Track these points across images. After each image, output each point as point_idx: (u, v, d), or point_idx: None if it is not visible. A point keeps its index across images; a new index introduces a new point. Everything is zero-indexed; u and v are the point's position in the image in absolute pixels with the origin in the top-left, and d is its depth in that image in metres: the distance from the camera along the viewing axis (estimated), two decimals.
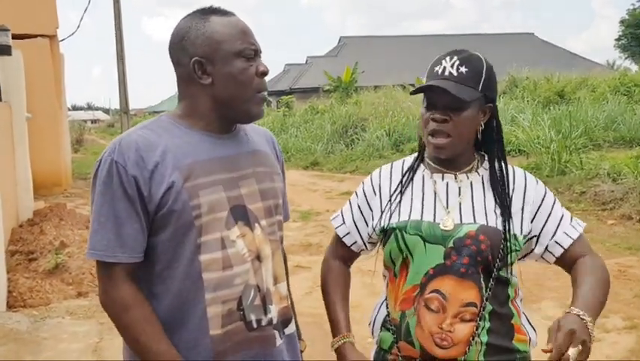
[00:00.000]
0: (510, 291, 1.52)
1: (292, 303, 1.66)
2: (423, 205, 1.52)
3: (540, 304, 4.65)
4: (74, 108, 73.37)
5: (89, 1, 12.96)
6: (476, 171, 1.55)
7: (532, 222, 1.51)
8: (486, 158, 1.57)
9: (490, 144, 1.55)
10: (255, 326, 1.41)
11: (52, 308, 4.72)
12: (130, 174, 1.31)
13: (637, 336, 4.04)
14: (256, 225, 1.42)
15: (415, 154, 1.65)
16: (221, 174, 1.39)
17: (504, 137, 1.57)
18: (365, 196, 1.65)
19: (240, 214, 1.40)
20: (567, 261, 1.53)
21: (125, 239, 1.32)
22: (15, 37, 9.07)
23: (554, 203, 1.55)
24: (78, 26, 11.49)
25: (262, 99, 1.42)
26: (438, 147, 1.47)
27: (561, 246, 1.52)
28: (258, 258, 1.42)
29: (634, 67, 33.63)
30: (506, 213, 1.47)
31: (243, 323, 1.39)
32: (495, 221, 1.47)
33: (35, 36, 9.38)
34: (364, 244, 1.67)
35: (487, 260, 1.44)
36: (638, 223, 7.16)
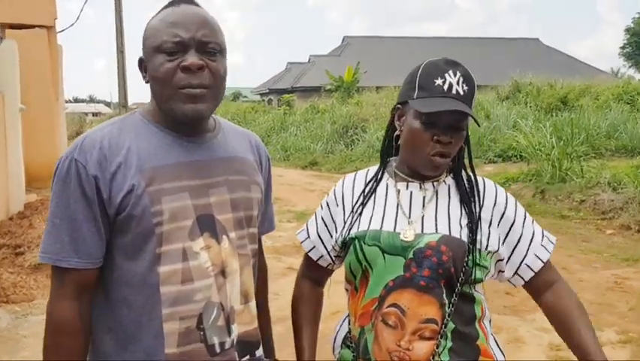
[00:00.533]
0: (476, 309, 1.44)
1: (268, 319, 1.57)
2: (384, 215, 1.44)
3: (534, 315, 4.54)
4: (76, 100, 73.32)
5: None
6: (443, 180, 1.48)
7: (503, 243, 1.44)
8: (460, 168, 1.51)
9: (460, 153, 1.48)
10: (217, 350, 1.29)
11: (35, 305, 4.61)
12: (90, 174, 1.22)
13: (632, 351, 3.93)
14: (224, 237, 1.31)
15: (379, 164, 1.57)
16: (189, 180, 1.28)
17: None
18: (328, 207, 1.57)
19: (207, 225, 1.28)
20: (535, 285, 1.48)
21: (81, 243, 1.23)
22: (12, 27, 9.00)
23: (525, 220, 1.48)
24: (77, 17, 11.42)
25: (188, 96, 1.23)
26: (438, 165, 1.40)
27: (531, 269, 1.46)
28: (223, 273, 1.30)
29: (638, 75, 33.58)
30: (473, 224, 1.40)
31: (204, 346, 1.28)
32: (459, 232, 1.39)
33: (33, 26, 9.27)
34: (331, 258, 1.58)
35: (449, 273, 1.35)
36: (637, 233, 7.08)
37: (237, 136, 1.45)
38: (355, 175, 1.58)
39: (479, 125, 1.41)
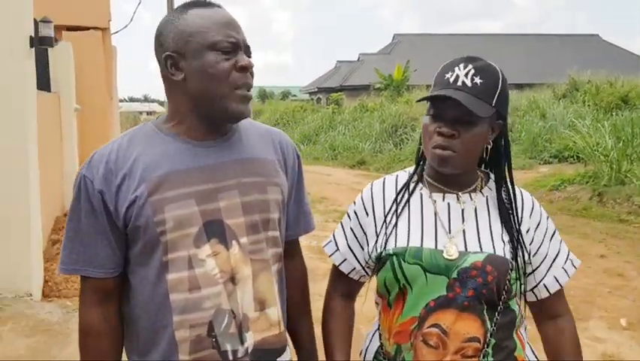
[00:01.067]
0: (514, 319, 1.39)
1: (308, 323, 1.53)
2: (422, 229, 1.37)
3: (587, 324, 4.33)
4: (131, 100, 75.85)
5: None
6: (480, 191, 1.42)
7: (533, 257, 1.40)
8: (491, 177, 1.44)
9: (497, 163, 1.43)
10: (230, 357, 1.27)
11: None
12: (96, 188, 1.26)
13: None
14: (234, 242, 1.28)
15: (410, 169, 1.51)
16: (196, 185, 1.26)
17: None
18: (357, 217, 1.49)
19: (215, 230, 1.27)
20: (542, 308, 1.44)
21: (93, 255, 1.28)
22: (68, 29, 9.31)
23: (553, 236, 1.42)
24: (131, 19, 11.70)
25: (243, 97, 1.27)
26: (442, 158, 1.32)
27: (547, 290, 1.42)
28: (233, 280, 1.27)
29: None
30: (515, 241, 1.34)
31: (216, 352, 1.27)
32: (502, 249, 1.33)
33: (88, 28, 9.57)
34: (364, 269, 1.50)
35: (492, 292, 1.31)
36: None
37: (257, 136, 1.41)
38: (384, 181, 1.50)
39: (478, 117, 1.29)
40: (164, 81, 1.31)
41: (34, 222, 4.81)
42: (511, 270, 1.32)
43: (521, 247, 1.35)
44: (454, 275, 1.31)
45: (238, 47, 1.27)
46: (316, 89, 33.08)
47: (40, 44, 5.13)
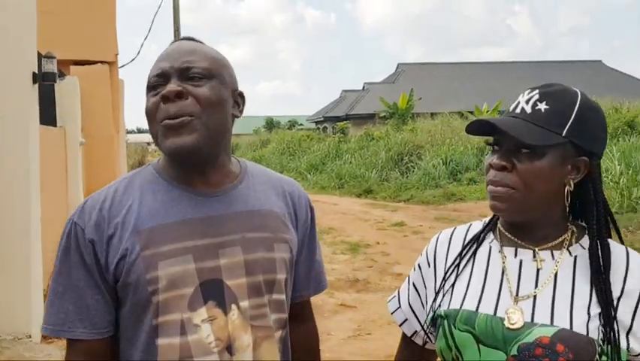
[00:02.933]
0: None
1: None
2: (483, 290, 1.13)
3: None
4: (139, 131, 76.43)
5: (149, 30, 13.42)
6: (568, 248, 1.13)
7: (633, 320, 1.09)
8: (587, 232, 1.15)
9: (588, 212, 1.12)
10: None
11: None
12: (87, 238, 1.13)
13: None
14: (233, 306, 1.14)
15: (487, 218, 1.25)
16: (195, 240, 1.13)
17: (605, 200, 1.13)
18: (420, 270, 1.28)
19: (213, 292, 1.13)
20: None
21: (85, 312, 1.13)
22: (75, 63, 9.38)
23: None
24: (138, 53, 11.85)
25: (167, 128, 1.10)
26: (495, 196, 1.10)
27: None
28: (230, 349, 1.13)
29: None
30: (609, 315, 1.04)
31: None
32: (585, 324, 1.04)
33: (95, 62, 9.65)
34: (427, 334, 1.27)
35: None
36: None
37: (267, 185, 1.27)
38: (453, 231, 1.28)
39: (537, 146, 1.06)
40: None
41: (35, 261, 4.73)
42: (600, 354, 1.03)
43: (616, 323, 1.05)
44: (514, 351, 1.04)
45: (167, 76, 1.12)
46: (322, 118, 33.24)
47: (44, 80, 5.12)
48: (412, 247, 7.81)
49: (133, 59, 11.85)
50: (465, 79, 32.59)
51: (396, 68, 36.70)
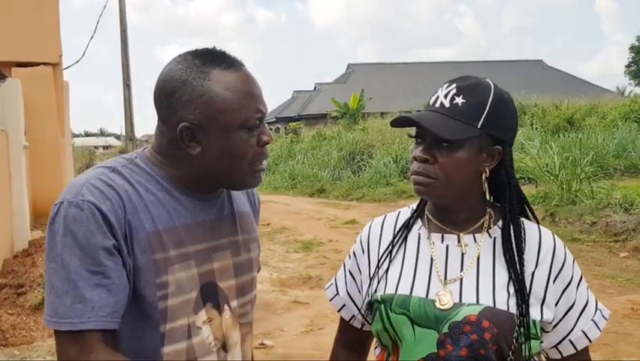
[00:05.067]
0: None
1: None
2: (415, 275, 1.21)
3: None
4: (87, 135, 74.40)
5: (95, 30, 13.20)
6: (487, 231, 1.22)
7: (554, 308, 1.20)
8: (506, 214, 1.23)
9: (502, 196, 1.22)
10: None
11: (34, 347, 4.49)
12: (111, 218, 1.05)
13: None
14: (225, 307, 1.19)
15: (414, 204, 1.34)
16: (195, 244, 1.14)
17: (517, 183, 1.24)
18: (355, 257, 1.35)
19: (210, 294, 1.16)
20: None
21: (113, 300, 1.04)
22: (18, 65, 9.09)
23: (580, 283, 1.22)
24: (83, 54, 11.56)
25: (260, 170, 1.17)
26: (417, 184, 1.19)
27: (574, 347, 1.22)
28: (224, 347, 1.18)
29: None
30: (522, 291, 1.14)
31: None
32: (506, 301, 1.14)
33: (38, 64, 9.37)
34: (364, 318, 1.33)
35: (492, 353, 1.12)
36: None
37: None
38: (384, 219, 1.35)
39: (446, 141, 1.14)
40: (165, 139, 1.15)
41: None
42: (520, 327, 1.13)
43: (528, 298, 1.15)
44: (445, 329, 1.13)
45: (262, 119, 1.15)
46: (275, 119, 33.20)
47: None
48: None
49: (78, 60, 11.58)
50: (414, 79, 33.18)
51: (347, 68, 37.04)
